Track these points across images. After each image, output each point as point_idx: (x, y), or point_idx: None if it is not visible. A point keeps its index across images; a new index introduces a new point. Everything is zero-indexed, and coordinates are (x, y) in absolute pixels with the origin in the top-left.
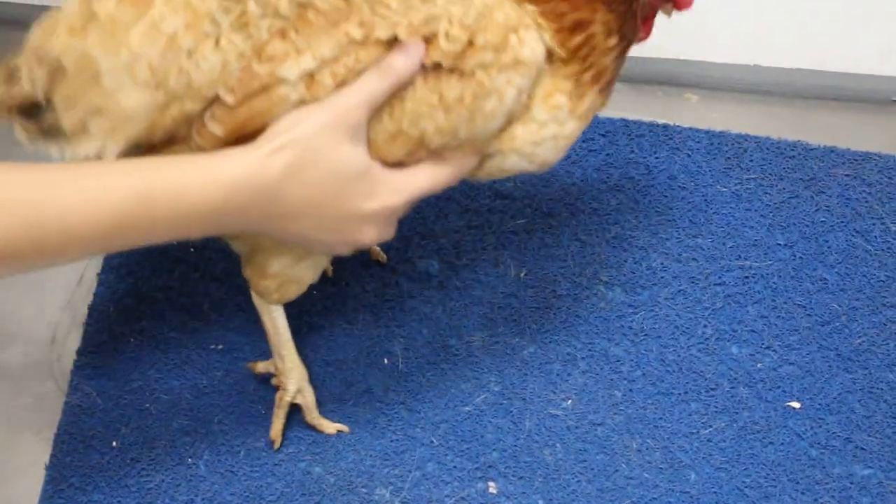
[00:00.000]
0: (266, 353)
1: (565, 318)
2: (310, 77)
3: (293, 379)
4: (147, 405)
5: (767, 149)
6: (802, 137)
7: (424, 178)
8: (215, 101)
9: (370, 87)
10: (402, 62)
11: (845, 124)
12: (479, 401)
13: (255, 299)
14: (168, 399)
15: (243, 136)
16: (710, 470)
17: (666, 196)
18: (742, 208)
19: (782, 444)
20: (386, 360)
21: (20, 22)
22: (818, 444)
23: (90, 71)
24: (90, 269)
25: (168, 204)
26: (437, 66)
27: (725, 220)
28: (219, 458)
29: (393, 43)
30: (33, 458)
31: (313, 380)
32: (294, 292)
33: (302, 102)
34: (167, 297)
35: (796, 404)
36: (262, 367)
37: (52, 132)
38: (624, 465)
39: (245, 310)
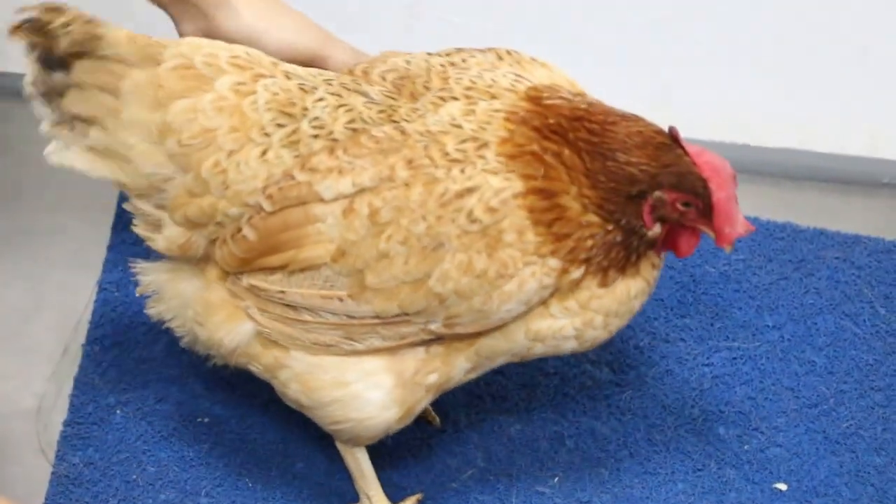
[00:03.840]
0: (255, 426)
1: (553, 396)
2: (349, 203)
3: None
4: (134, 476)
5: (756, 230)
6: (791, 218)
7: None
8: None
9: None
10: None
11: (834, 206)
12: (466, 477)
13: (337, 443)
14: (155, 471)
15: (274, 250)
16: None
17: None
18: (730, 289)
19: None
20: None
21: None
22: None
23: (114, 93)
24: (75, 341)
25: None
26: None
27: (714, 301)
28: None
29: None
30: None
31: (292, 458)
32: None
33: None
34: (151, 369)
35: (783, 486)
36: None
37: (53, 97)
38: None
39: (231, 383)
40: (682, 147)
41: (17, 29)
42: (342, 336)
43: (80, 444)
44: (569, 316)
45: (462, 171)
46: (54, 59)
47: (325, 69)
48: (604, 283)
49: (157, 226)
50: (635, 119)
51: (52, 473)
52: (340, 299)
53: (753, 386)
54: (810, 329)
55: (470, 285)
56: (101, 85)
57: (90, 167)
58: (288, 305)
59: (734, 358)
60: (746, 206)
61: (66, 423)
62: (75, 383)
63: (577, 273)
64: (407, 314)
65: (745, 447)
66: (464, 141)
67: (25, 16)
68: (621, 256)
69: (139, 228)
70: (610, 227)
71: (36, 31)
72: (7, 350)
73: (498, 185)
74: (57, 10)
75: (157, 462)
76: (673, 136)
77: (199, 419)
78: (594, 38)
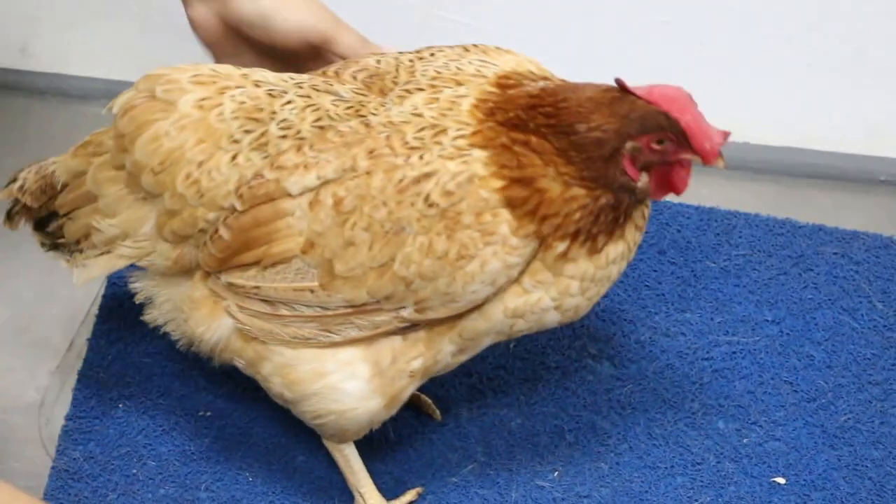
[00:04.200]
0: (257, 419)
1: (553, 391)
2: (314, 195)
3: None
4: (135, 471)
5: (756, 226)
6: (791, 215)
7: None
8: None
9: None
10: None
11: (833, 202)
12: (466, 471)
13: (324, 440)
14: (156, 465)
15: (247, 247)
16: None
17: (655, 270)
18: (731, 284)
19: None
20: (373, 430)
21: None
22: None
23: (90, 200)
24: (81, 336)
25: None
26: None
27: (714, 296)
28: None
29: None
30: None
31: (294, 452)
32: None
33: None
34: (156, 362)
35: (781, 480)
36: None
37: (59, 241)
38: None
39: (233, 377)
40: (632, 93)
41: (7, 221)
42: (319, 328)
43: (81, 439)
44: (543, 287)
45: (420, 157)
46: (44, 218)
47: (335, 52)
48: (593, 250)
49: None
50: (583, 87)
51: (52, 468)
52: (312, 290)
53: (752, 380)
54: (809, 324)
55: (432, 267)
56: (77, 204)
57: (108, 267)
58: (264, 301)
59: (734, 352)
60: (747, 202)
61: (68, 418)
62: (79, 377)
63: (561, 247)
64: (377, 301)
65: (744, 441)
66: (422, 129)
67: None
68: (610, 219)
69: (139, 261)
70: (598, 193)
71: (17, 213)
72: (13, 344)
73: (454, 170)
74: (12, 181)
75: (157, 456)
76: (621, 86)
77: (202, 413)
78: (595, 39)
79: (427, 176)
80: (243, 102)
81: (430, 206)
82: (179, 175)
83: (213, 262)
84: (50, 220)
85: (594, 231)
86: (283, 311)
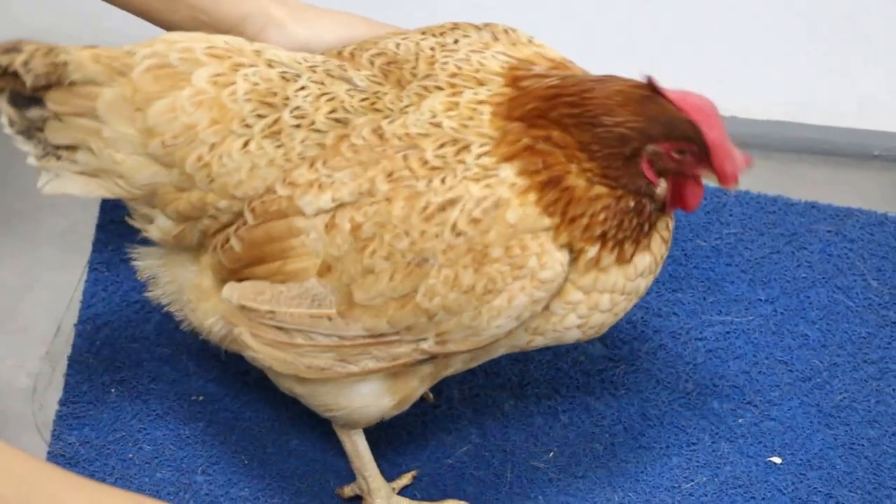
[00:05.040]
0: (249, 403)
1: (546, 372)
2: (330, 218)
3: (381, 498)
4: (130, 455)
5: (747, 203)
6: (783, 192)
7: None
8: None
9: None
10: None
11: (826, 179)
12: (461, 453)
13: (333, 425)
14: (151, 449)
15: (261, 261)
16: None
17: None
18: (723, 263)
19: (763, 499)
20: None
21: None
22: (799, 499)
23: (92, 116)
24: (67, 320)
25: None
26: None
27: (706, 275)
28: None
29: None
30: None
31: (287, 436)
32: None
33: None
34: (144, 347)
35: (777, 459)
36: (348, 490)
37: (33, 132)
38: None
39: (223, 361)
40: (663, 95)
41: None
42: (335, 358)
43: (75, 424)
44: (571, 307)
45: (443, 180)
46: (25, 98)
47: None
48: (622, 259)
49: (150, 219)
50: (611, 79)
51: (49, 452)
52: (329, 318)
53: (747, 360)
54: (803, 302)
55: (458, 300)
56: (77, 111)
57: (85, 190)
58: (279, 328)
59: (727, 332)
60: None
61: (62, 403)
62: (69, 362)
63: (592, 251)
64: (397, 332)
65: (740, 421)
66: (443, 145)
67: None
68: (635, 225)
69: (134, 221)
70: (619, 194)
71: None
72: (1, 329)
73: (479, 195)
74: (14, 49)
75: (152, 440)
76: (652, 86)
77: (194, 397)
78: (584, 14)
79: (452, 203)
80: (256, 84)
81: (458, 235)
82: (191, 155)
83: (224, 271)
84: (33, 103)
85: (620, 236)
86: (299, 340)
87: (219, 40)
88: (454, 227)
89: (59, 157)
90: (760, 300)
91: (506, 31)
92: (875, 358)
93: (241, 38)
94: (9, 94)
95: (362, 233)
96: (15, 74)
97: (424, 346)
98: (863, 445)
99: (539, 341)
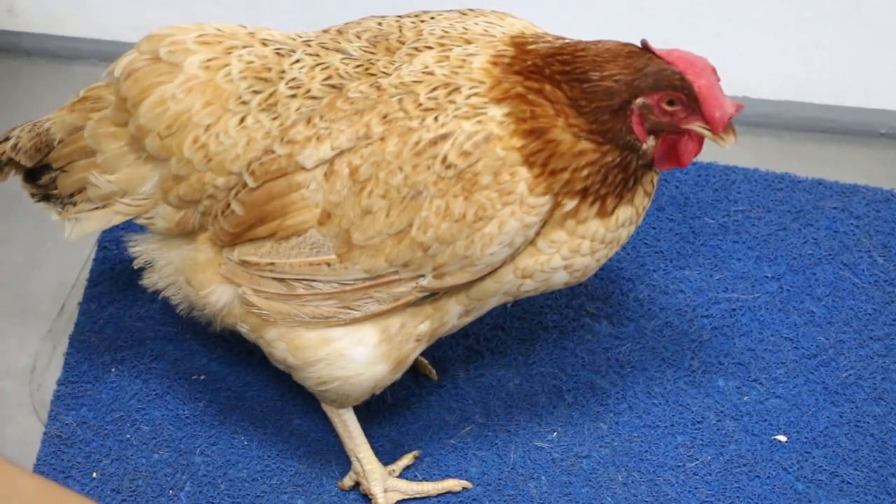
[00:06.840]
0: (252, 383)
1: (551, 351)
2: (329, 166)
3: (376, 480)
4: (128, 436)
5: (755, 181)
6: (790, 169)
7: None
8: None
9: None
10: None
11: (832, 156)
12: (465, 433)
13: (323, 405)
14: (149, 430)
15: (262, 220)
16: (696, 503)
17: (654, 227)
18: (729, 240)
19: (768, 477)
20: (375, 394)
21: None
22: (804, 477)
23: (88, 154)
24: (72, 299)
25: None
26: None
27: (713, 252)
28: (200, 490)
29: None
30: None
31: (290, 415)
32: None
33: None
34: (149, 326)
35: (783, 437)
36: (348, 483)
37: (52, 192)
38: (609, 499)
39: (227, 340)
40: (652, 51)
41: None
42: (338, 305)
43: (73, 404)
44: (556, 247)
45: (435, 118)
46: (33, 170)
47: None
48: (603, 212)
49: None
50: (605, 41)
51: (45, 433)
52: (329, 264)
53: (753, 337)
54: (809, 279)
55: (450, 230)
56: (73, 157)
57: (104, 222)
58: (280, 280)
59: (733, 309)
60: (745, 157)
61: (60, 382)
62: (70, 341)
63: (570, 204)
64: (396, 270)
65: (745, 398)
66: (435, 88)
67: None
68: (619, 181)
69: (136, 219)
70: (605, 149)
71: (6, 164)
72: (3, 309)
73: (470, 129)
74: (4, 140)
75: (151, 421)
76: (644, 46)
77: (195, 377)
78: None
79: (443, 137)
80: (251, 62)
81: (448, 167)
82: (187, 139)
83: (226, 236)
84: (42, 172)
85: (602, 192)
86: (300, 290)
87: (210, 28)
88: (444, 159)
89: (74, 204)
90: (767, 277)
91: (470, 9)
92: (881, 335)
93: (234, 25)
94: (23, 173)
95: (360, 175)
96: (11, 161)
97: (423, 282)
98: (868, 423)
99: (529, 285)
